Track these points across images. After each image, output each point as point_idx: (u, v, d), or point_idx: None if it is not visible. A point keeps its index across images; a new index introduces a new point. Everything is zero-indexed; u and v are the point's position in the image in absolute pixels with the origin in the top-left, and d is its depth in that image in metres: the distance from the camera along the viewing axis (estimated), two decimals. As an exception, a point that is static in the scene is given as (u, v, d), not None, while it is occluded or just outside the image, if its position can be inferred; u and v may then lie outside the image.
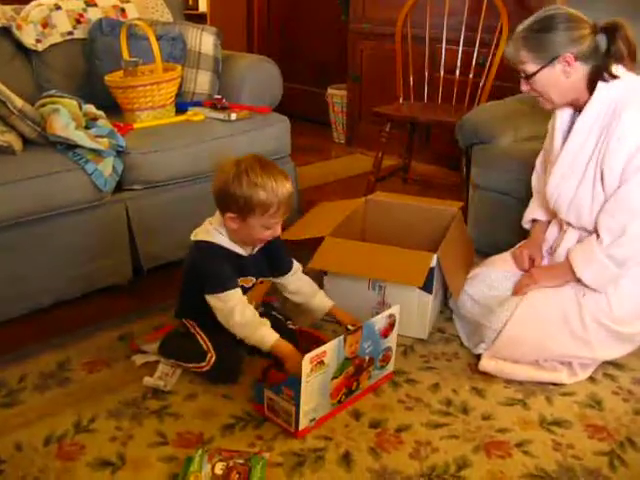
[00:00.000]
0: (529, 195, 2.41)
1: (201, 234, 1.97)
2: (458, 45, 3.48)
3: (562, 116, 2.13)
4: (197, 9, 5.59)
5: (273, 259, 2.09)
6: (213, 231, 1.96)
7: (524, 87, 2.04)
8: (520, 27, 2.00)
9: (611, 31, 1.93)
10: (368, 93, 4.26)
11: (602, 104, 1.97)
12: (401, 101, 3.62)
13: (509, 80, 3.38)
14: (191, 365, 2.01)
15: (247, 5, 5.61)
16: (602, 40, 1.94)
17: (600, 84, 1.96)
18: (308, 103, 5.00)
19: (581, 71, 1.96)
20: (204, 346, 1.99)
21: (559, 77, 1.97)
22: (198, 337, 2.01)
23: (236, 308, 1.90)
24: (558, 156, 2.10)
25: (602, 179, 1.98)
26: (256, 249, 2.03)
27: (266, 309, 2.17)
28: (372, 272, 2.20)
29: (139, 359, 2.09)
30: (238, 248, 1.98)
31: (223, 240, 1.96)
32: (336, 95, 4.62)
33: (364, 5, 4.14)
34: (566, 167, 2.07)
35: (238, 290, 1.94)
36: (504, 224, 2.66)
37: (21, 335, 2.22)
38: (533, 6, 3.39)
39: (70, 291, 2.40)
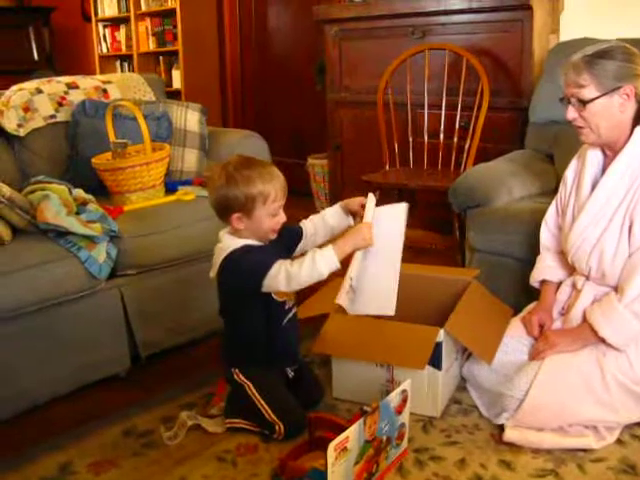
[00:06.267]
0: (530, 256, 2.36)
1: (225, 249, 1.97)
2: (440, 109, 3.49)
3: (592, 161, 2.08)
4: (171, 86, 5.59)
5: (284, 238, 2.09)
6: (234, 240, 1.98)
7: (571, 114, 1.98)
8: (579, 54, 1.94)
9: None
10: (350, 161, 4.25)
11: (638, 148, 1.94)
12: (387, 168, 3.61)
13: (491, 142, 3.41)
14: (261, 430, 2.02)
15: (220, 80, 5.65)
16: None
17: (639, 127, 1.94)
18: (287, 174, 4.97)
19: (633, 109, 1.93)
20: (267, 416, 1.98)
21: (614, 109, 1.92)
22: (257, 404, 2.00)
23: (288, 269, 1.90)
24: (586, 202, 2.04)
25: (630, 229, 1.92)
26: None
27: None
28: (375, 355, 2.12)
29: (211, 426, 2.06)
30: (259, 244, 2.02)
31: (246, 241, 1.98)
32: (317, 165, 4.61)
33: (341, 74, 4.15)
34: (594, 213, 2.01)
35: (277, 259, 1.93)
36: (506, 286, 2.61)
37: (17, 437, 2.08)
38: (510, 66, 3.44)
39: (66, 386, 2.27)
